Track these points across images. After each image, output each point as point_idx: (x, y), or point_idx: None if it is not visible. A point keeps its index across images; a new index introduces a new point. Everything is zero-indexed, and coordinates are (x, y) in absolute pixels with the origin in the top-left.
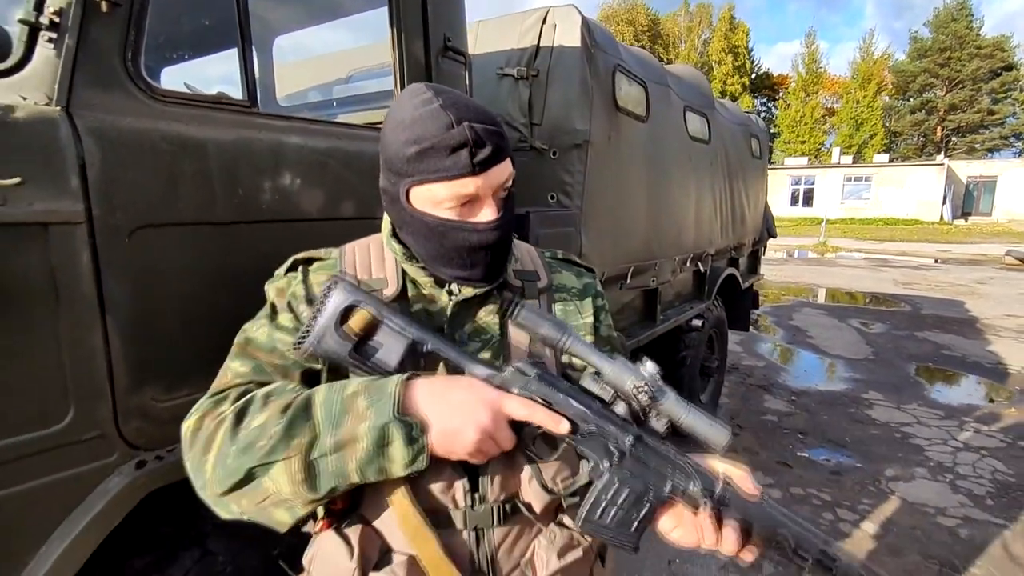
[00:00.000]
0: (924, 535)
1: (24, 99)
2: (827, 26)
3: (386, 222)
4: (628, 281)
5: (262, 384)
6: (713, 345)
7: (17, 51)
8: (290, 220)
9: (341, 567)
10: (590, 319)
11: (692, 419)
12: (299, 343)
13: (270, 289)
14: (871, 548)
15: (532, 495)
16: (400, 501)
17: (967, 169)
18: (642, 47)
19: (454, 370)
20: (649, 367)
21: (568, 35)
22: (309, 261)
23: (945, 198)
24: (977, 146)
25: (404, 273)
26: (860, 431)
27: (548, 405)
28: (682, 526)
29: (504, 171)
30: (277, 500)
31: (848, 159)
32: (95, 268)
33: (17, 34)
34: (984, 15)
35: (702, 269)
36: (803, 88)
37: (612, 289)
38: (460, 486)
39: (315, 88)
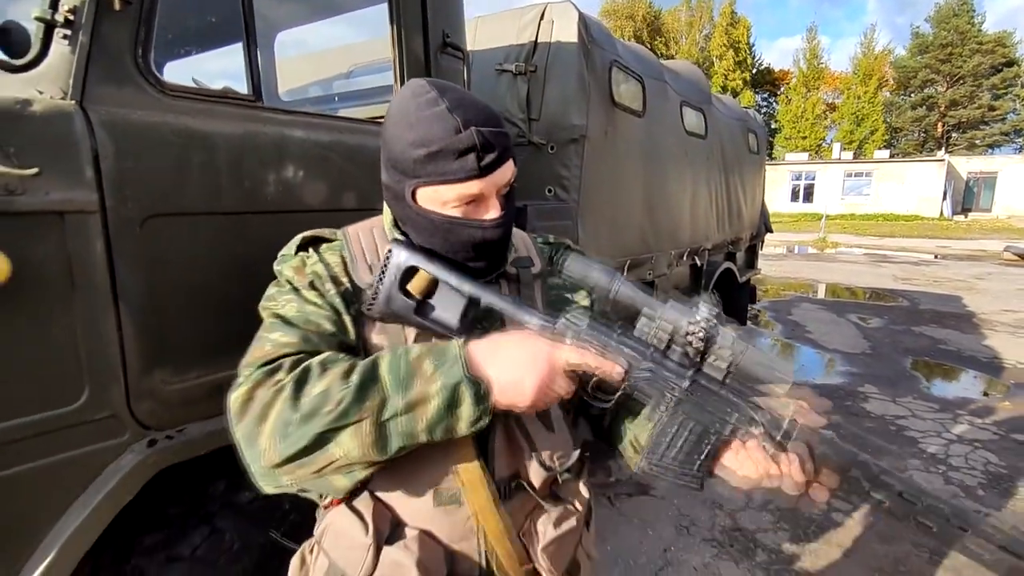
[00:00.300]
0: None
1: (40, 93)
2: (829, 21)
3: (387, 212)
4: (625, 274)
5: (311, 354)
6: None
7: (34, 47)
8: (293, 211)
9: (356, 541)
10: (586, 301)
11: (752, 360)
12: (370, 305)
13: (285, 268)
14: (863, 535)
15: (533, 473)
16: (470, 475)
17: (967, 165)
18: (642, 42)
19: (510, 322)
20: (703, 310)
21: (565, 31)
22: (316, 241)
23: (945, 194)
24: (978, 142)
25: None
26: (855, 424)
27: (602, 352)
28: (746, 463)
29: (508, 171)
30: (342, 465)
31: (849, 155)
32: (108, 256)
33: (33, 31)
34: (986, 11)
35: (699, 263)
36: (804, 84)
37: None
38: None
39: (315, 83)
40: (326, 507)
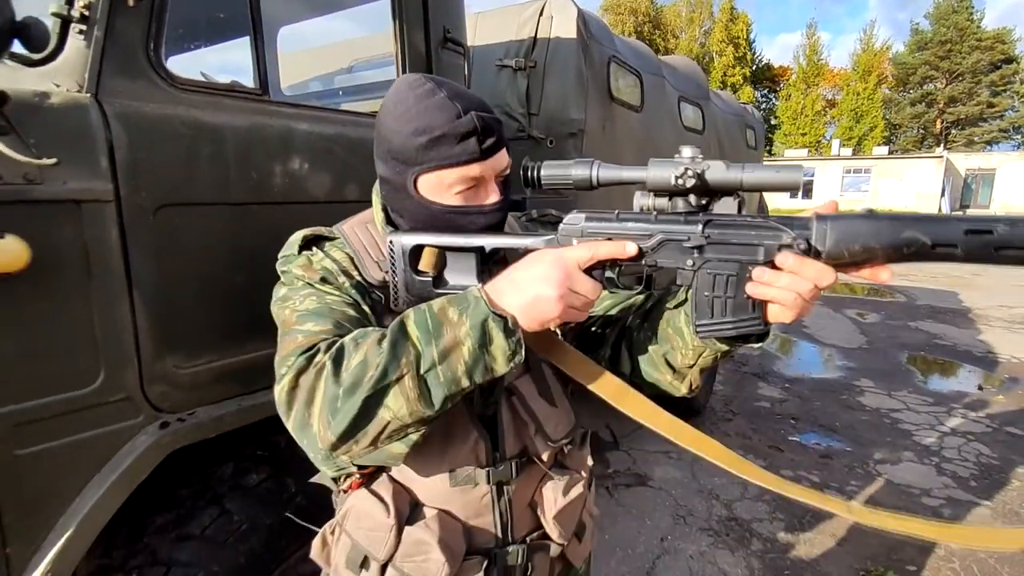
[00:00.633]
0: (908, 514)
1: (57, 86)
2: (830, 17)
3: (378, 211)
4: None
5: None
6: None
7: (50, 42)
8: (299, 202)
9: (379, 522)
10: None
11: (754, 174)
12: (395, 302)
13: (293, 268)
14: (856, 526)
15: (540, 446)
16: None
17: (966, 162)
18: (642, 37)
19: (520, 256)
20: (686, 151)
21: (564, 27)
22: (318, 239)
23: (944, 191)
24: (976, 139)
25: None
26: (850, 417)
27: (609, 238)
28: (794, 278)
29: (504, 157)
30: (394, 429)
31: (848, 151)
32: (123, 243)
33: (50, 26)
34: (985, 7)
35: None
36: (804, 80)
37: None
38: (483, 446)
39: (316, 78)
40: (345, 491)
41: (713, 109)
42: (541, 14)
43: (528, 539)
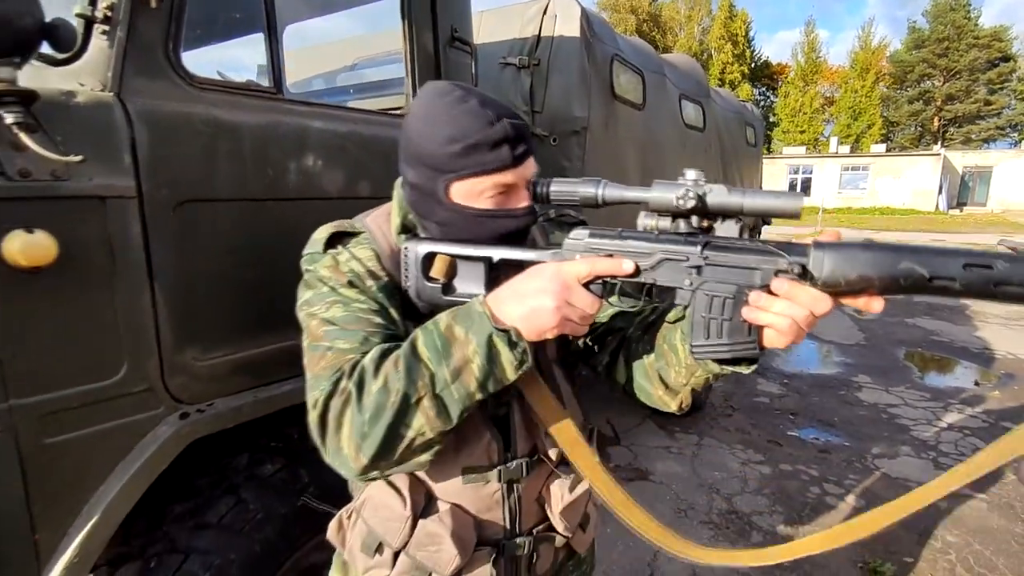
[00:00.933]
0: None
1: (81, 85)
2: (830, 15)
3: (395, 216)
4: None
5: (365, 353)
6: None
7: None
8: (313, 199)
9: (395, 512)
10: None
11: (754, 199)
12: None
13: (319, 269)
14: (854, 518)
15: (548, 446)
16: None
17: (963, 159)
18: (642, 35)
19: (528, 266)
20: (689, 175)
21: (568, 26)
22: (341, 236)
23: (941, 188)
24: (974, 136)
25: None
26: (849, 412)
27: (609, 255)
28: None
29: (532, 163)
30: (420, 444)
31: (846, 149)
32: (144, 238)
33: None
34: (983, 5)
35: None
36: (802, 77)
37: None
38: (496, 446)
39: (318, 75)
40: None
41: (714, 107)
42: (545, 12)
43: (535, 531)
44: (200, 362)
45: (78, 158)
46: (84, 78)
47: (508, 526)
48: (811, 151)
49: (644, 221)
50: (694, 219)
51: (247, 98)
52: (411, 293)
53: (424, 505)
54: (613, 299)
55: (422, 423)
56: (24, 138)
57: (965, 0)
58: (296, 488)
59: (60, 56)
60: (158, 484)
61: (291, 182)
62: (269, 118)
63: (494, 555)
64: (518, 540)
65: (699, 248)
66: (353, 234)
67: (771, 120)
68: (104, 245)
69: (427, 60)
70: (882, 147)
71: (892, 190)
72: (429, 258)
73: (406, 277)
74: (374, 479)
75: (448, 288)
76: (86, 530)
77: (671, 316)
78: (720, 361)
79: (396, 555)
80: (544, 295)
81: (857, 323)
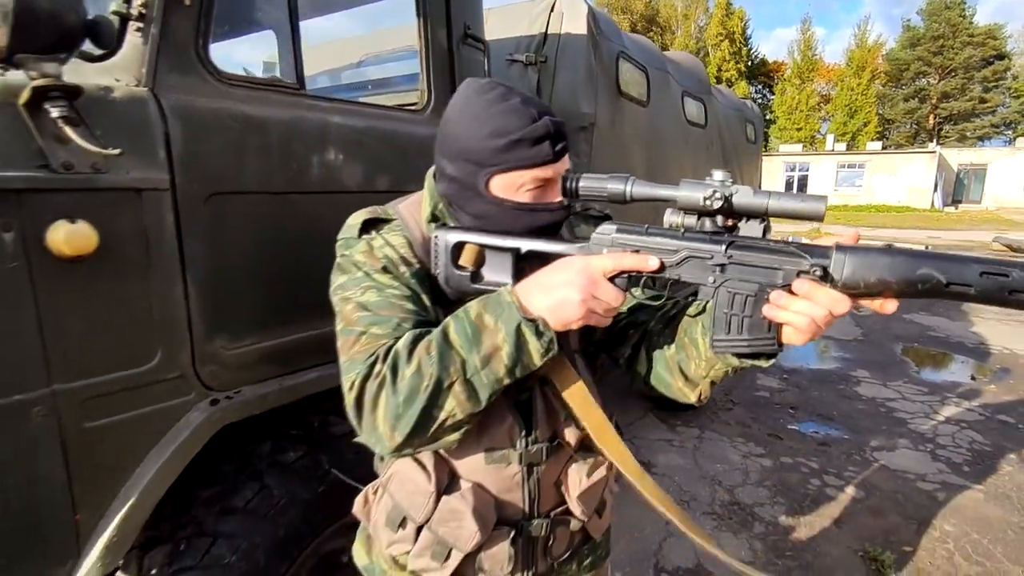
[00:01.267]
0: (904, 498)
1: (117, 81)
2: (827, 12)
3: (425, 206)
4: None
5: (398, 338)
6: None
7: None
8: (333, 192)
9: (420, 488)
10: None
11: (779, 202)
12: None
13: (354, 254)
14: (855, 509)
15: (568, 433)
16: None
17: (958, 157)
18: (638, 33)
19: (554, 258)
20: (717, 175)
21: (575, 23)
22: (375, 222)
23: (936, 186)
24: (969, 134)
25: None
26: (847, 406)
27: (635, 251)
28: (809, 303)
29: (567, 160)
30: (451, 424)
31: (842, 146)
32: (177, 230)
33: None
34: (977, 4)
35: None
36: (798, 75)
37: None
38: (517, 429)
39: (325, 72)
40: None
41: (715, 104)
42: (552, 10)
43: (552, 514)
44: (229, 351)
45: (117, 151)
46: (119, 74)
47: (527, 508)
48: (807, 149)
49: (670, 218)
50: (719, 218)
51: (271, 94)
52: (440, 280)
53: (447, 483)
54: (636, 291)
55: (453, 406)
56: (68, 131)
57: None
58: (318, 474)
59: (96, 52)
60: (184, 470)
61: (313, 176)
62: (293, 113)
63: (512, 534)
64: (536, 522)
65: (724, 247)
66: (386, 220)
67: (768, 118)
68: (140, 236)
69: (442, 57)
70: (878, 145)
71: (888, 188)
72: (459, 247)
73: (436, 264)
74: (406, 456)
75: (476, 276)
76: (124, 511)
77: (692, 311)
78: (739, 355)
79: (419, 530)
80: (571, 288)
81: (855, 319)
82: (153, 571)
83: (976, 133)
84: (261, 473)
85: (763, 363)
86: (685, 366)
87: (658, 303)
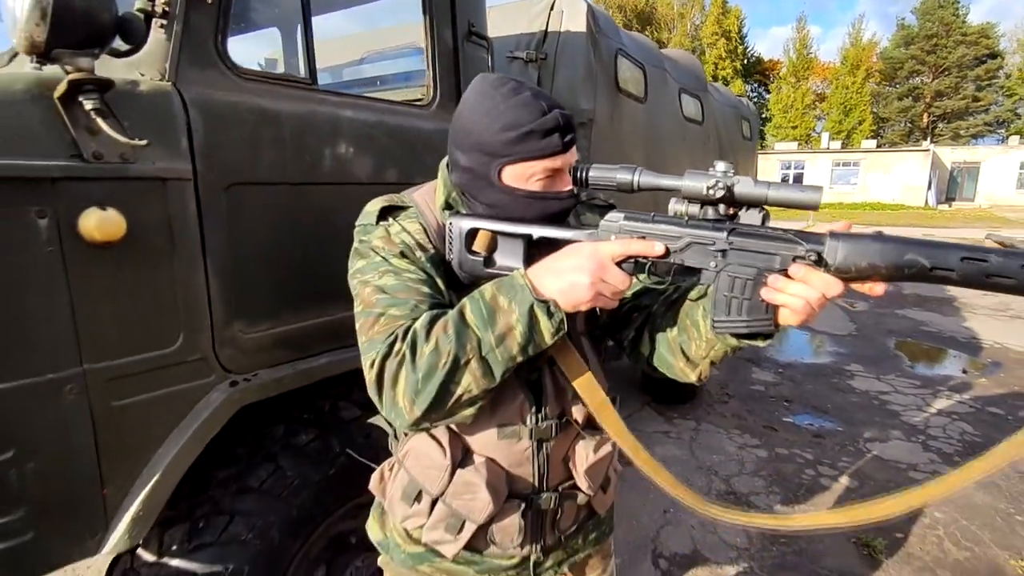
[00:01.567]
0: (896, 487)
1: (142, 75)
2: (823, 11)
3: (439, 195)
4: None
5: (415, 319)
6: None
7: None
8: (344, 183)
9: (436, 461)
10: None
11: (778, 192)
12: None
13: (373, 239)
14: (848, 497)
15: (575, 410)
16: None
17: (951, 155)
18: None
19: (562, 245)
20: (719, 165)
21: (574, 21)
22: (392, 209)
23: (930, 184)
24: (962, 132)
25: None
26: (841, 399)
27: (642, 237)
28: (804, 286)
29: (575, 151)
30: (467, 399)
31: (837, 144)
32: (199, 218)
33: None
34: (971, 3)
35: None
36: (794, 73)
37: None
38: (528, 406)
39: (331, 68)
40: (406, 434)
41: (711, 101)
42: (552, 9)
43: (560, 488)
44: (246, 335)
45: (143, 142)
46: (143, 68)
47: (536, 482)
48: (803, 147)
49: (675, 207)
50: (721, 207)
51: (285, 88)
52: (454, 264)
53: (462, 458)
54: (642, 276)
55: (469, 382)
56: (100, 123)
57: None
58: (328, 457)
59: (122, 48)
60: (200, 454)
61: (325, 167)
62: (306, 107)
63: (523, 507)
64: (545, 495)
65: (725, 234)
66: (403, 208)
67: (764, 116)
68: (164, 224)
69: (447, 54)
70: (872, 143)
71: (882, 185)
72: (472, 233)
73: (450, 250)
74: (424, 429)
75: (489, 261)
76: (149, 486)
77: (693, 295)
78: (738, 335)
79: (433, 503)
80: (581, 272)
81: (849, 314)
82: (173, 547)
83: (969, 131)
84: (275, 455)
85: (760, 343)
86: (686, 347)
87: (660, 288)
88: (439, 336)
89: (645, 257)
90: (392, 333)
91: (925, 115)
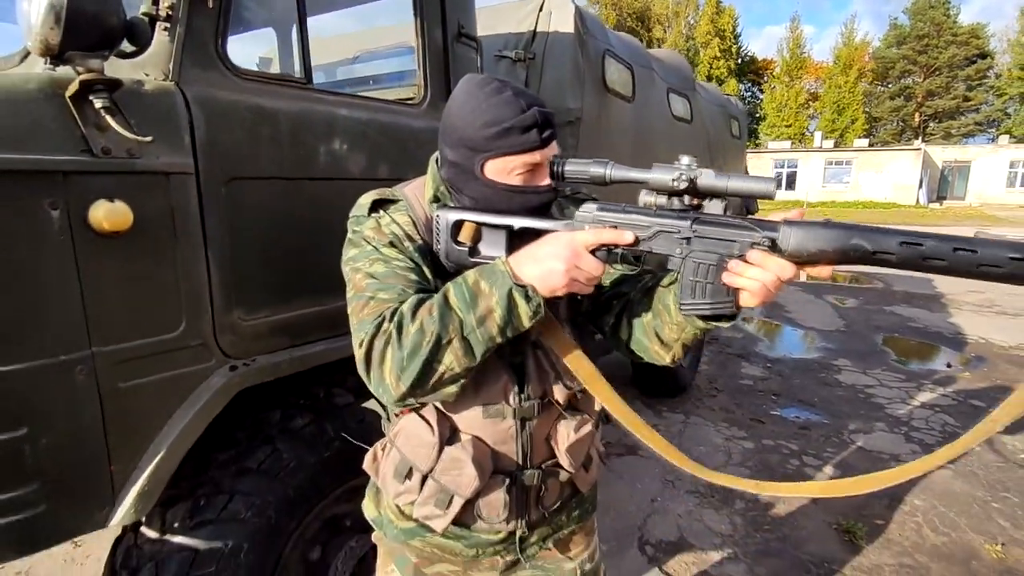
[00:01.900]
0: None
1: (146, 75)
2: (817, 10)
3: (428, 188)
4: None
5: (403, 302)
6: None
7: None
8: (338, 178)
9: (425, 440)
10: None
11: (736, 183)
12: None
13: (364, 229)
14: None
15: (557, 392)
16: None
17: (942, 154)
18: (625, 30)
19: (544, 234)
20: (683, 160)
21: (562, 22)
22: (383, 202)
23: (921, 182)
24: (953, 131)
25: None
26: (828, 392)
27: (613, 226)
28: (760, 270)
29: (555, 146)
30: (449, 377)
31: (830, 143)
32: (200, 210)
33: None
34: (962, 3)
35: None
36: (787, 73)
37: None
38: (512, 387)
39: (324, 67)
40: (397, 415)
41: (699, 100)
42: (540, 9)
43: (543, 465)
44: (245, 322)
45: (148, 138)
46: (148, 69)
47: (520, 459)
48: (796, 146)
49: (644, 198)
50: (686, 198)
51: (282, 87)
52: (441, 254)
53: (449, 436)
54: (618, 265)
55: (452, 360)
56: (108, 120)
57: None
58: (323, 440)
59: (127, 50)
60: (200, 436)
61: (320, 163)
62: (301, 106)
63: (507, 483)
64: (528, 472)
65: (689, 223)
66: (393, 201)
67: (757, 115)
68: (168, 215)
69: (437, 54)
70: (865, 142)
71: (874, 184)
72: (458, 225)
73: (437, 240)
74: (409, 406)
75: (473, 251)
76: (153, 464)
77: (665, 282)
78: (703, 317)
79: (424, 480)
80: (557, 259)
81: (837, 310)
82: (175, 524)
83: (960, 131)
84: (272, 438)
85: (724, 324)
86: (660, 330)
87: (636, 274)
88: (424, 317)
89: (616, 245)
90: (380, 314)
91: (917, 114)
